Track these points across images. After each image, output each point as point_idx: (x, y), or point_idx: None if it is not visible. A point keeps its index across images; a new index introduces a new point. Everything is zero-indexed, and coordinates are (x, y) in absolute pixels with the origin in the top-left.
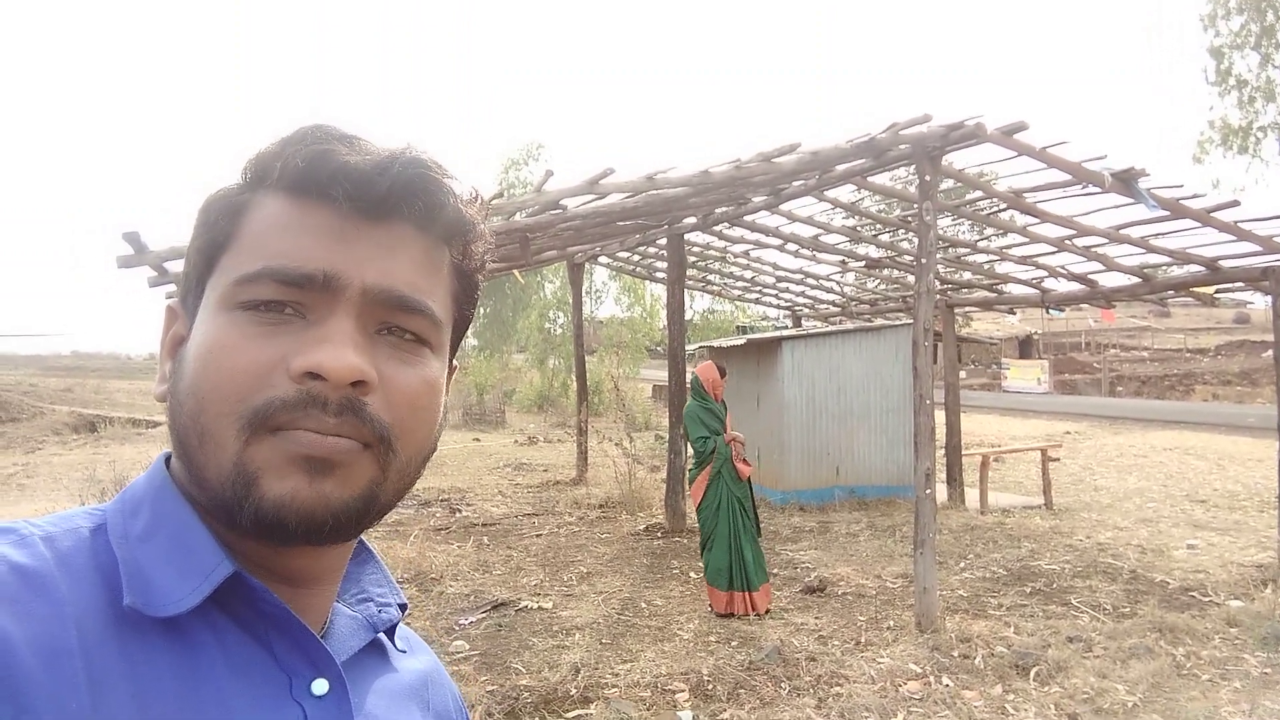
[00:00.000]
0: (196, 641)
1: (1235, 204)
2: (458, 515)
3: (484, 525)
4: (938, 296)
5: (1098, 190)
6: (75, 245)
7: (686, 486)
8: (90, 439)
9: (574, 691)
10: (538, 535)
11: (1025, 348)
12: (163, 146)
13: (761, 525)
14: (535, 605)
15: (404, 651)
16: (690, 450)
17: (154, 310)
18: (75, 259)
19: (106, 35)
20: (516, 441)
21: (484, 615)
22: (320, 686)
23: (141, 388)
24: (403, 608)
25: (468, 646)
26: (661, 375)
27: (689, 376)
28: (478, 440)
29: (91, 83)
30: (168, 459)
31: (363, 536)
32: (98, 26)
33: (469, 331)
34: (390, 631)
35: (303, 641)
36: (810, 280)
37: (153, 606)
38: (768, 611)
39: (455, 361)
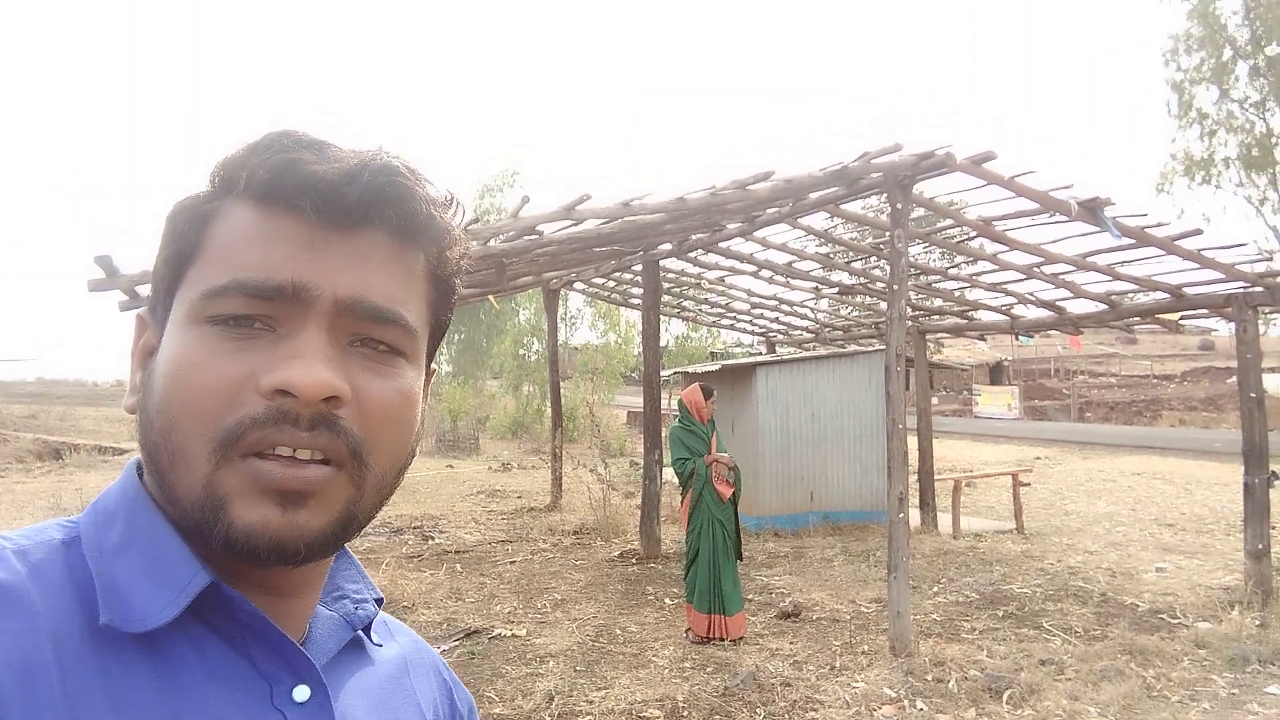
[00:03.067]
0: (175, 653)
1: (1198, 232)
2: (430, 543)
3: (457, 552)
4: (909, 323)
5: (1065, 219)
6: (44, 268)
7: (660, 513)
8: (55, 466)
9: (548, 719)
10: (511, 562)
11: (996, 374)
12: (136, 165)
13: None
14: (509, 633)
15: (379, 645)
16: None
17: (122, 337)
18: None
19: (73, 50)
20: (490, 468)
21: (457, 643)
22: (301, 693)
23: (108, 415)
24: (379, 602)
25: None
26: (637, 401)
27: (674, 401)
28: (451, 467)
29: (62, 100)
30: (139, 467)
31: None
32: (66, 41)
33: (443, 357)
34: (367, 628)
35: (282, 649)
36: (784, 306)
37: (130, 622)
38: (741, 639)
39: (434, 366)
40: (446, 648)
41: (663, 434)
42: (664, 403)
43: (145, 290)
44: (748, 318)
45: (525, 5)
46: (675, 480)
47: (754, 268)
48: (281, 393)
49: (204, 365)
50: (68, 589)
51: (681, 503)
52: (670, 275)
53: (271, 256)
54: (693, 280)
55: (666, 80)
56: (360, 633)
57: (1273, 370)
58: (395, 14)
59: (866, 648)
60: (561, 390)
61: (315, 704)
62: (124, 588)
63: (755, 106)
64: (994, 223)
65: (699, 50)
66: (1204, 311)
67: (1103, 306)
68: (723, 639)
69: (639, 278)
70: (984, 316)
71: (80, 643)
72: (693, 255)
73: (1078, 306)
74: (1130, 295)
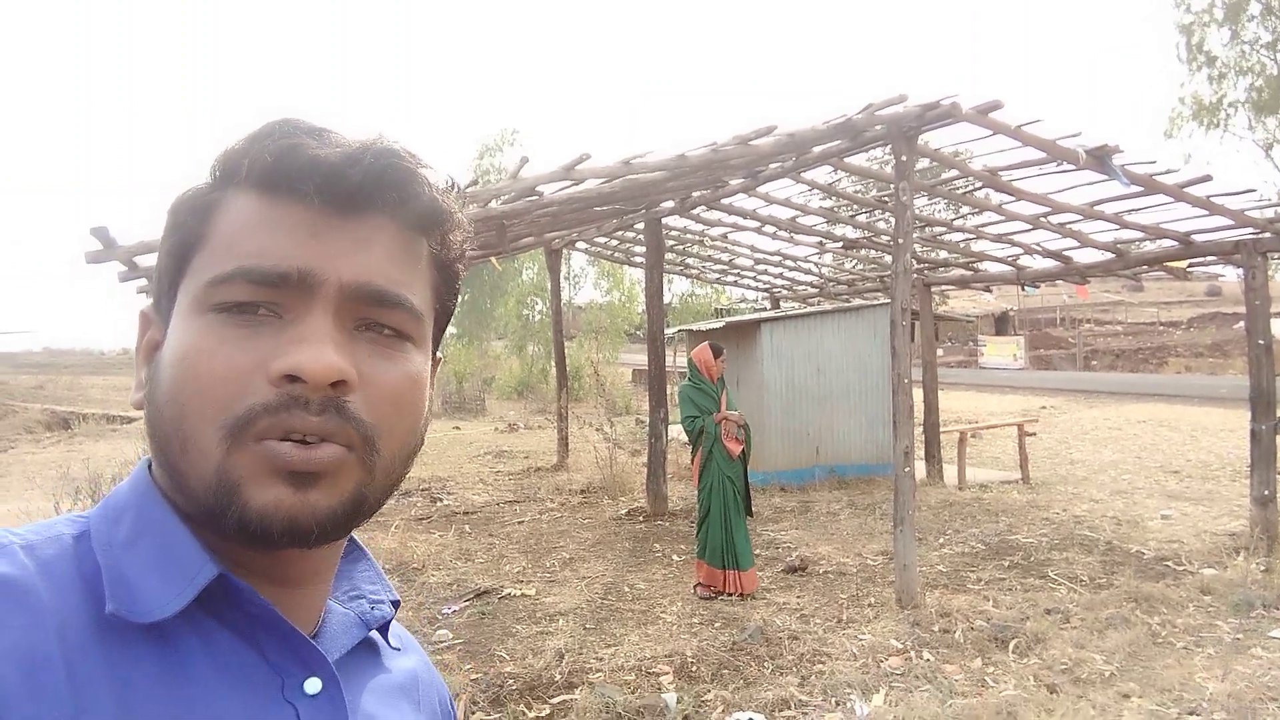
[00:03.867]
0: (183, 646)
1: (1208, 179)
2: (439, 504)
3: (466, 513)
4: (915, 276)
5: (1072, 168)
6: (44, 240)
7: (666, 470)
8: (64, 436)
9: (558, 677)
10: (520, 522)
11: (1001, 324)
12: (134, 139)
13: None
14: (518, 592)
15: (397, 650)
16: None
17: (126, 305)
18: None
19: (70, 28)
20: (497, 429)
21: (467, 604)
22: (313, 686)
23: (115, 383)
24: (395, 604)
25: (451, 635)
26: (641, 359)
27: (678, 359)
28: (458, 429)
29: (62, 100)
30: (149, 464)
31: (353, 534)
32: (66, 41)
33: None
34: (384, 629)
35: (292, 641)
36: (788, 262)
37: (137, 613)
38: (753, 594)
39: (439, 354)
40: (457, 608)
41: (668, 391)
42: (669, 360)
43: (142, 261)
44: (751, 274)
45: (528, 6)
46: (682, 438)
47: (757, 223)
48: (290, 378)
49: (212, 353)
50: (75, 583)
51: (692, 461)
52: (673, 233)
53: (276, 243)
54: (696, 237)
55: (667, 79)
56: (377, 635)
57: None
58: (396, 11)
59: (873, 600)
60: (566, 349)
61: (327, 697)
62: (131, 579)
63: (755, 105)
64: (1000, 173)
65: (700, 49)
66: (1212, 258)
67: (1110, 255)
68: (736, 594)
69: (641, 236)
70: (990, 268)
71: (86, 635)
72: (695, 212)
73: (1085, 256)
74: (1138, 243)
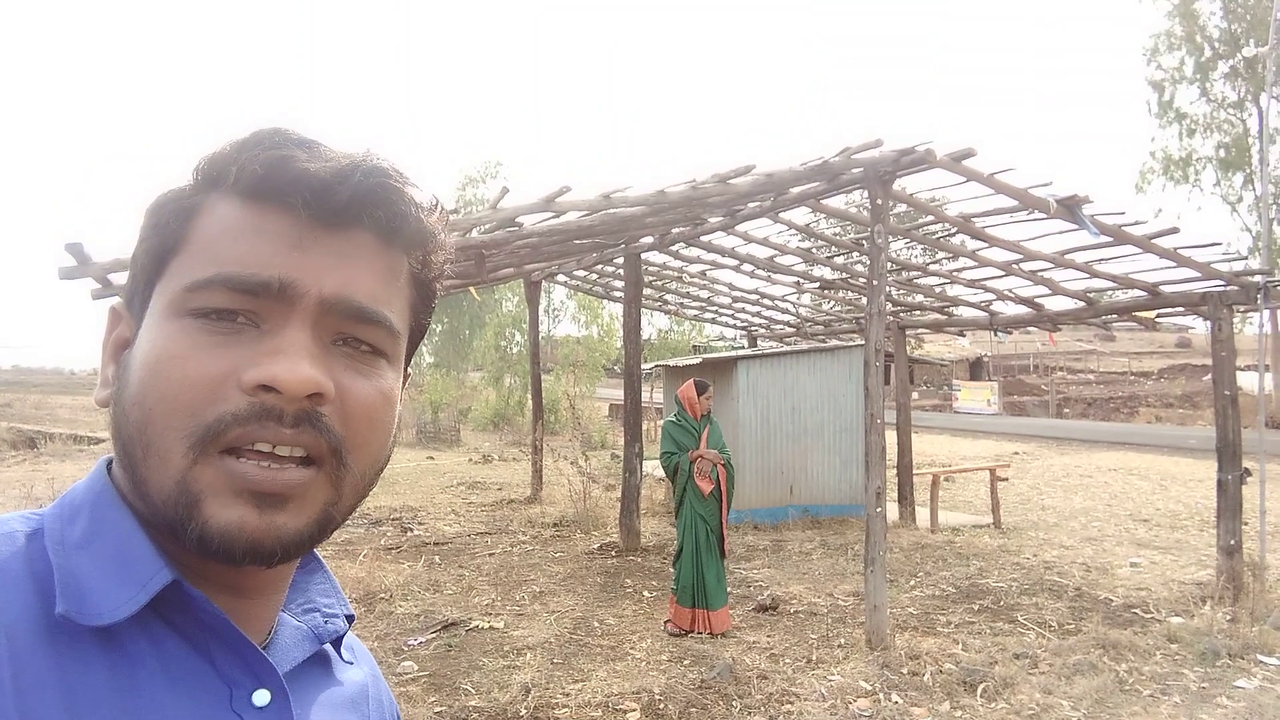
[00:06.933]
0: (133, 651)
1: (1175, 231)
2: (409, 534)
3: (436, 544)
4: (890, 318)
5: (1043, 216)
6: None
7: (639, 505)
8: (30, 455)
9: (524, 712)
10: (490, 554)
11: (975, 369)
12: (109, 151)
13: (725, 546)
14: (486, 625)
15: (350, 663)
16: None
17: (99, 324)
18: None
19: (47, 34)
20: (471, 460)
21: (434, 635)
22: (261, 698)
23: (85, 403)
24: (350, 619)
25: (416, 667)
26: (618, 394)
27: (654, 394)
28: (431, 459)
29: (44, 78)
30: (109, 464)
31: None
32: (40, 25)
33: (425, 348)
34: (337, 642)
35: (243, 652)
36: (765, 301)
37: (87, 615)
38: (724, 633)
39: (409, 370)
40: (423, 639)
41: (643, 427)
42: (645, 396)
43: (117, 278)
44: (729, 312)
45: (517, 19)
46: (658, 473)
47: (736, 262)
48: (265, 388)
49: (185, 358)
50: (27, 581)
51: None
52: (652, 268)
53: (258, 251)
54: (675, 274)
55: (659, 94)
56: (330, 648)
57: (1247, 368)
58: (386, 35)
59: (843, 641)
60: (543, 382)
61: (275, 709)
62: (84, 581)
63: (750, 118)
64: (974, 219)
65: (693, 65)
66: (1181, 309)
67: (1081, 303)
68: (704, 633)
69: (621, 270)
70: (964, 312)
71: (35, 635)
72: (674, 249)
73: (1056, 303)
74: (1108, 293)
